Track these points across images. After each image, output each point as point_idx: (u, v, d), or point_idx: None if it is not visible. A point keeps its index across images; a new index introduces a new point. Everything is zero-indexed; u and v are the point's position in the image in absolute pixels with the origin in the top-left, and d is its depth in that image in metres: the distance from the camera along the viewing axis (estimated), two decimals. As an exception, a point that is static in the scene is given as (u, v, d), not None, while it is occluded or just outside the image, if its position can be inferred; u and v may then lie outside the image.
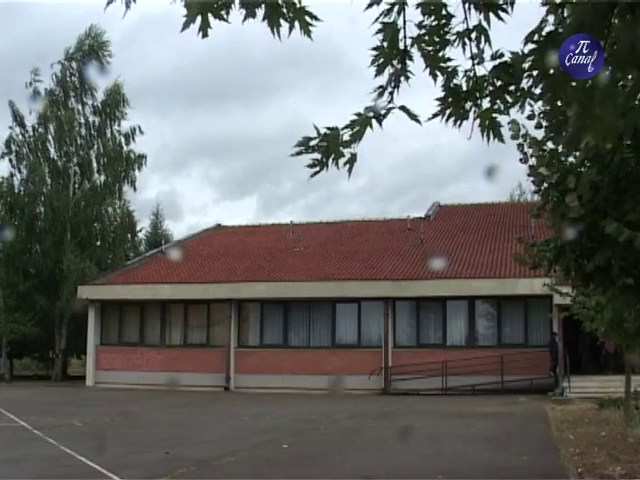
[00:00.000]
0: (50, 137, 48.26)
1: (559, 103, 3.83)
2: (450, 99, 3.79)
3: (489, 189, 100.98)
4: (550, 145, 8.58)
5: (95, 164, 48.96)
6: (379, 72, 3.76)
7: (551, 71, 3.37)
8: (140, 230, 56.94)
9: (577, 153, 8.37)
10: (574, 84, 3.36)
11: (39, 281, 45.70)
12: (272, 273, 38.57)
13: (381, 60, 3.74)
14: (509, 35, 3.72)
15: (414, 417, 23.91)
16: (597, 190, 7.77)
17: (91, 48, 48.00)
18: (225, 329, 38.32)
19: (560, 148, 8.56)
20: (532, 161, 8.66)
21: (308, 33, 3.67)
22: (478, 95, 3.76)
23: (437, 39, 3.70)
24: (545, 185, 8.60)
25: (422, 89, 4.30)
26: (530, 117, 8.49)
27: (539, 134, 8.66)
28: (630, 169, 7.33)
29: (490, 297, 35.49)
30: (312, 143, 3.74)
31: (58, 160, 48.46)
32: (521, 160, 8.81)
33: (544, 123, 8.59)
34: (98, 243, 49.71)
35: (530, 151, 8.66)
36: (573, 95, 3.38)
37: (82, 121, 48.82)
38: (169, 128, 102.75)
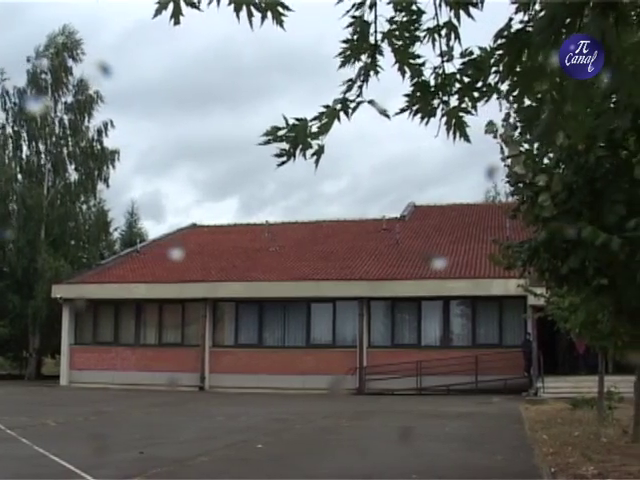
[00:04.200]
0: (24, 135, 47.99)
1: (528, 101, 3.84)
2: (418, 95, 3.80)
3: (468, 192, 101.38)
4: (526, 145, 8.62)
5: (68, 161, 48.65)
6: (344, 64, 3.76)
7: (518, 68, 3.39)
8: (115, 229, 56.75)
9: (551, 154, 8.41)
10: (544, 82, 3.38)
11: (13, 280, 45.34)
12: (247, 273, 38.50)
13: (348, 53, 3.75)
14: (480, 33, 3.72)
15: (389, 417, 23.95)
16: (572, 191, 7.81)
17: (64, 45, 47.80)
18: (200, 329, 38.23)
19: (535, 149, 8.60)
20: (508, 161, 8.70)
21: (280, 23, 3.67)
22: (446, 92, 3.77)
23: (407, 35, 3.71)
24: (520, 185, 8.63)
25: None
26: (506, 118, 8.55)
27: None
28: (605, 170, 7.37)
29: (465, 297, 35.60)
30: (280, 133, 3.76)
31: (31, 158, 48.18)
32: (501, 159, 8.84)
33: (518, 123, 8.66)
34: (72, 242, 49.41)
35: (506, 151, 8.69)
36: (545, 92, 3.39)
37: (55, 118, 48.53)
38: (157, 130, 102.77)
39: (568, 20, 3.09)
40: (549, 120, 3.34)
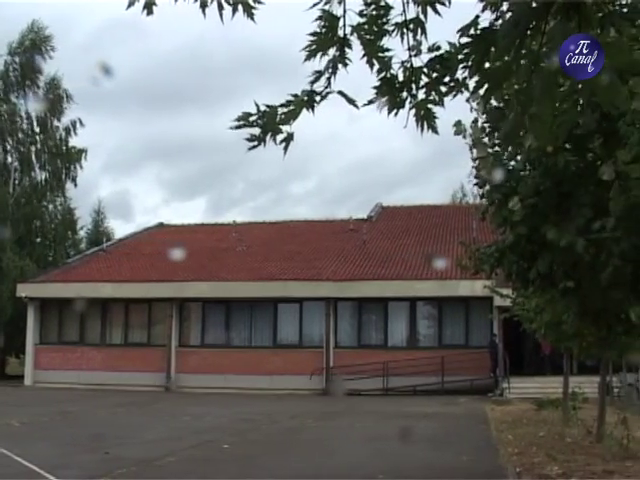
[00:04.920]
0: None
1: (495, 103, 3.87)
2: (385, 88, 3.83)
3: (436, 193, 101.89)
4: (496, 148, 8.68)
5: (35, 160, 48.28)
6: (309, 57, 3.78)
7: (487, 64, 3.41)
8: (81, 228, 56.38)
9: (519, 156, 8.47)
10: (510, 83, 3.41)
11: (-23, 279, 44.94)
12: (214, 273, 38.40)
13: (314, 47, 3.77)
14: (449, 27, 3.74)
15: (355, 417, 23.97)
16: (539, 194, 7.86)
17: (33, 42, 47.45)
18: (166, 328, 38.09)
19: (503, 151, 8.66)
20: (476, 163, 8.75)
21: (251, 16, 3.69)
22: (414, 86, 3.80)
23: (376, 29, 3.74)
24: (488, 187, 8.68)
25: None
26: (475, 120, 8.60)
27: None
28: (572, 173, 7.42)
29: (431, 298, 35.71)
30: (251, 119, 3.83)
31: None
32: (472, 159, 8.89)
33: (486, 124, 8.71)
34: (38, 240, 49.05)
35: (475, 152, 8.74)
36: (512, 93, 3.42)
37: (23, 115, 48.20)
38: (126, 129, 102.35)
39: (533, 24, 3.11)
40: (515, 121, 3.37)
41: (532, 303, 16.29)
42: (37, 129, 48.31)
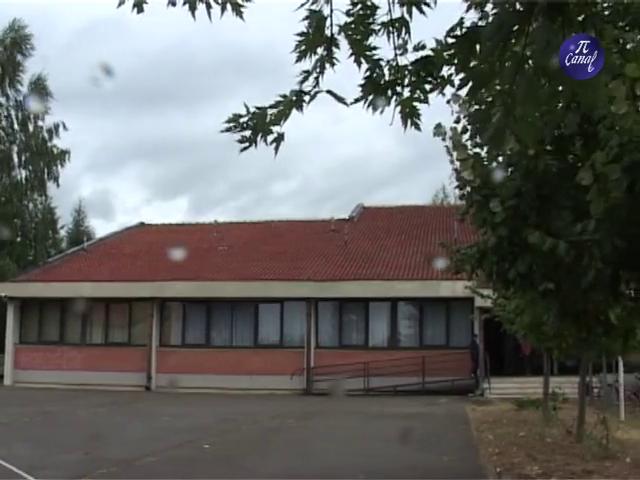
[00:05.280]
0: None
1: (477, 106, 3.88)
2: (371, 86, 3.84)
3: (418, 194, 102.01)
4: (476, 149, 8.70)
5: (17, 159, 48.07)
6: (300, 58, 3.80)
7: (472, 64, 3.43)
8: (62, 227, 56.16)
9: (500, 159, 8.50)
10: (493, 85, 3.43)
11: (-44, 278, 44.68)
12: (195, 272, 38.32)
13: (303, 47, 3.78)
14: (436, 26, 3.76)
15: (336, 417, 23.97)
16: (520, 196, 7.89)
17: (13, 40, 47.23)
18: (147, 328, 37.99)
19: (484, 153, 8.69)
20: (457, 164, 8.76)
21: (240, 14, 3.69)
22: (399, 84, 3.82)
23: (363, 28, 3.76)
24: (468, 189, 8.71)
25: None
26: (457, 121, 8.62)
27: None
28: (553, 175, 7.45)
29: (412, 299, 35.77)
30: (242, 120, 3.85)
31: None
32: (450, 162, 8.91)
33: (469, 127, 8.73)
34: (18, 239, 48.82)
35: (455, 154, 8.75)
36: (496, 95, 3.44)
37: (4, 114, 47.95)
38: (109, 129, 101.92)
39: (516, 27, 3.13)
40: (499, 123, 3.38)
41: (513, 304, 16.37)
42: (18, 128, 48.04)
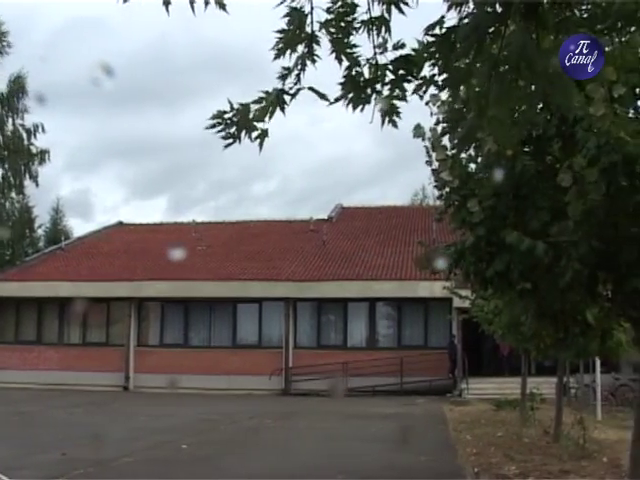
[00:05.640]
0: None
1: (456, 105, 3.90)
2: (350, 85, 3.85)
3: (397, 194, 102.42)
4: (454, 150, 8.72)
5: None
6: (278, 55, 3.81)
7: (455, 64, 3.44)
8: (40, 226, 55.86)
9: (479, 159, 8.52)
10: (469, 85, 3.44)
11: None
12: (173, 272, 38.21)
13: (281, 45, 3.79)
14: (415, 24, 3.77)
15: (314, 418, 24.00)
16: (499, 197, 7.92)
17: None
18: (125, 328, 37.87)
19: (463, 154, 8.71)
20: (435, 165, 8.77)
21: (223, 7, 3.69)
22: (379, 82, 3.83)
23: (343, 25, 3.76)
24: (447, 189, 8.72)
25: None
26: (436, 123, 8.63)
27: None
28: (530, 176, 7.48)
29: (391, 299, 35.81)
30: (226, 116, 3.88)
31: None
32: (427, 162, 8.92)
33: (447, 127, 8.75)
34: (-5, 238, 48.60)
35: (434, 155, 8.76)
36: (472, 94, 3.45)
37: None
38: (88, 128, 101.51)
39: (492, 28, 3.14)
40: (472, 123, 3.39)
41: (491, 305, 16.45)
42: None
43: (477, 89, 3.34)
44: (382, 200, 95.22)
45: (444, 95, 7.48)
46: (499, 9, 3.11)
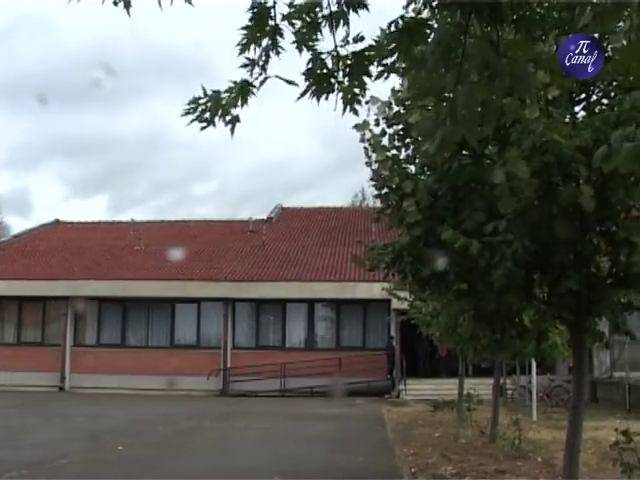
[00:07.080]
0: None
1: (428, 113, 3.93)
2: (314, 76, 3.88)
3: (338, 197, 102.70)
4: (393, 151, 8.76)
5: None
6: (244, 50, 3.86)
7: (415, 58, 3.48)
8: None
9: (417, 160, 8.58)
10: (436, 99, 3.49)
11: None
12: (111, 271, 37.87)
13: (245, 40, 3.81)
14: (379, 18, 3.80)
15: (252, 418, 23.94)
16: (436, 197, 7.97)
17: None
18: (61, 327, 37.41)
19: (402, 154, 8.76)
20: (375, 165, 8.80)
21: (189, 1, 3.68)
22: (340, 74, 3.86)
23: (308, 19, 3.79)
24: (385, 189, 8.75)
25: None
26: (376, 123, 8.66)
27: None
28: (467, 178, 7.53)
29: (330, 300, 35.86)
30: (201, 101, 3.99)
31: None
32: (366, 163, 8.94)
33: (388, 130, 8.79)
34: None
35: (374, 155, 8.79)
36: (436, 104, 3.49)
37: None
38: (29, 125, 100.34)
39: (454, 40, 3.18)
40: (446, 131, 3.42)
41: (429, 307, 16.54)
42: None
43: (448, 98, 3.39)
44: (322, 202, 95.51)
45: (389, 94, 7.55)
46: (459, 18, 3.16)
